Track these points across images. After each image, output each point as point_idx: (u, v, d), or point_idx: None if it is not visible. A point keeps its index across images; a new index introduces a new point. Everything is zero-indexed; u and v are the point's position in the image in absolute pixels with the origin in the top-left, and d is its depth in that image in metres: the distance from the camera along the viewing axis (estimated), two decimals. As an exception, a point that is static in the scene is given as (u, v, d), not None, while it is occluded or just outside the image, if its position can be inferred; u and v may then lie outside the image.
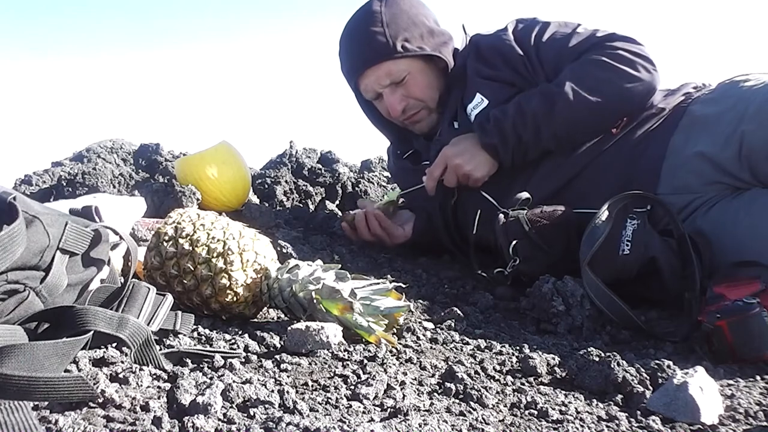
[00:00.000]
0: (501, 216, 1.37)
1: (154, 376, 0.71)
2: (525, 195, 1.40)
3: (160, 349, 0.78)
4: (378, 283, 1.02)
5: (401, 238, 1.69)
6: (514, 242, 1.35)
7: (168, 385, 0.69)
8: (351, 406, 0.68)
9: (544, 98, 1.46)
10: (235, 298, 0.99)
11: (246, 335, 0.91)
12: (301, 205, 2.20)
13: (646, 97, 1.48)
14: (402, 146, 1.85)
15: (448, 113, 1.66)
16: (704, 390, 0.76)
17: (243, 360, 0.81)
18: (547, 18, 1.63)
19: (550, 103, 1.44)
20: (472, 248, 1.53)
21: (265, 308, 1.09)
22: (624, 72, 1.44)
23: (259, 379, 0.72)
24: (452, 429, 0.65)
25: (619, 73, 1.44)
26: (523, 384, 0.84)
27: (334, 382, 0.75)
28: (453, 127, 1.64)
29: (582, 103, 1.43)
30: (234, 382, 0.69)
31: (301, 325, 0.88)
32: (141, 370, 0.70)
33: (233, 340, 0.89)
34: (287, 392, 0.68)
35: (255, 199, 2.11)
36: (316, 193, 2.29)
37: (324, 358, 0.84)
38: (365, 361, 0.84)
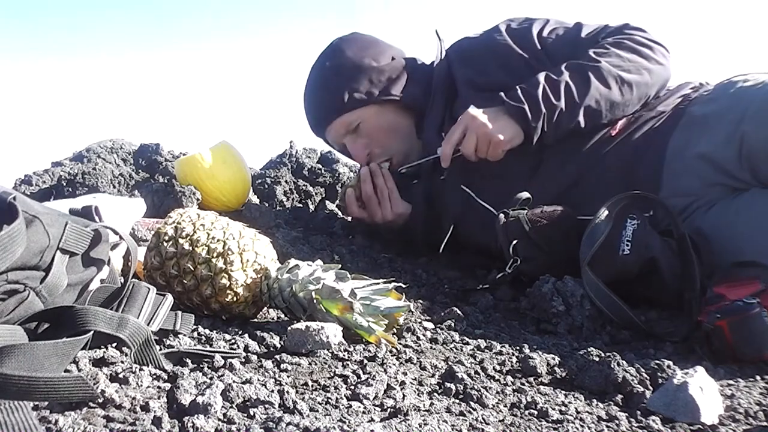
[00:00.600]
0: (501, 216, 1.37)
1: (154, 376, 0.71)
2: (525, 195, 1.40)
3: (160, 349, 0.78)
4: (378, 283, 1.02)
5: (400, 209, 1.65)
6: (514, 242, 1.35)
7: (168, 385, 0.69)
8: (351, 406, 0.68)
9: (576, 70, 1.44)
10: (235, 298, 0.99)
11: (246, 335, 0.91)
12: (301, 205, 2.20)
13: (665, 83, 1.51)
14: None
15: (433, 122, 1.64)
16: (704, 390, 0.76)
17: (243, 360, 0.81)
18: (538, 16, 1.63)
19: (583, 74, 1.43)
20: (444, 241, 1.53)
21: (265, 308, 1.09)
22: (648, 54, 1.47)
23: (259, 379, 0.72)
24: (452, 429, 0.65)
25: (644, 54, 1.47)
26: (523, 384, 0.84)
27: (334, 382, 0.75)
28: (441, 137, 1.60)
29: (615, 78, 1.43)
30: (234, 382, 0.69)
31: (301, 325, 0.88)
32: (141, 370, 0.70)
33: (233, 340, 0.89)
34: (287, 392, 0.68)
35: (255, 199, 2.11)
36: (316, 193, 2.29)
37: (324, 358, 0.84)
38: (365, 361, 0.84)
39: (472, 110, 1.47)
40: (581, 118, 1.43)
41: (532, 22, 1.61)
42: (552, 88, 1.42)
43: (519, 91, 1.44)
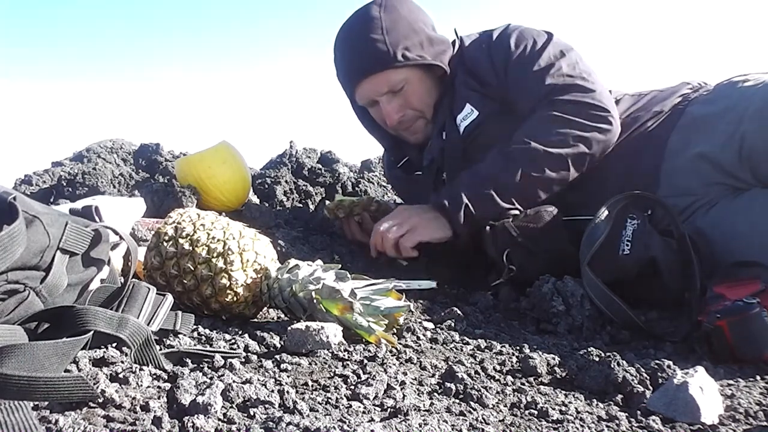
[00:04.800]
0: (488, 228, 1.37)
1: (154, 376, 0.71)
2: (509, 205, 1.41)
3: (160, 349, 0.78)
4: (378, 283, 1.02)
5: (413, 252, 1.66)
6: (506, 251, 1.35)
7: (168, 385, 0.69)
8: (351, 406, 0.68)
9: (502, 156, 1.44)
10: (235, 298, 0.99)
11: (246, 335, 0.91)
12: (301, 205, 2.20)
13: (608, 145, 1.46)
14: (395, 153, 1.82)
15: (438, 123, 1.64)
16: (704, 390, 0.76)
17: (243, 360, 0.81)
18: (534, 27, 1.60)
19: (510, 163, 1.42)
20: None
21: (265, 308, 1.09)
22: (583, 125, 1.42)
23: (259, 379, 0.72)
24: (452, 429, 0.65)
25: (578, 126, 1.42)
26: (523, 384, 0.84)
27: (334, 382, 0.75)
28: (441, 138, 1.61)
29: (542, 158, 1.40)
30: (234, 382, 0.69)
31: (301, 325, 0.88)
32: (141, 370, 0.70)
33: (233, 340, 0.89)
34: (287, 392, 0.68)
35: (255, 199, 2.11)
36: (316, 193, 2.28)
37: (324, 358, 0.84)
38: (365, 361, 0.84)
39: (402, 208, 1.51)
40: (510, 201, 1.42)
41: (508, 42, 1.56)
42: (475, 178, 1.43)
43: (447, 187, 1.46)
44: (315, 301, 0.96)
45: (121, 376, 0.68)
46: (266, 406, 0.65)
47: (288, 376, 0.77)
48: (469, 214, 1.41)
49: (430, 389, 0.78)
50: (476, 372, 0.86)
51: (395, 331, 1.03)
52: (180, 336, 0.87)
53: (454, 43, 1.67)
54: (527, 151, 1.41)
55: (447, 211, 1.42)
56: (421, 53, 1.58)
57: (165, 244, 1.00)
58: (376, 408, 0.69)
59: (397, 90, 1.59)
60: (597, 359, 0.86)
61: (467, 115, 1.56)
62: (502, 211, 1.41)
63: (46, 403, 0.59)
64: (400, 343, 0.96)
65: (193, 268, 0.98)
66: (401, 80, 1.58)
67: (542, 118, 1.44)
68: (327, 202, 1.88)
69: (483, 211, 1.41)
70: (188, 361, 0.79)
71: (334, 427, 0.59)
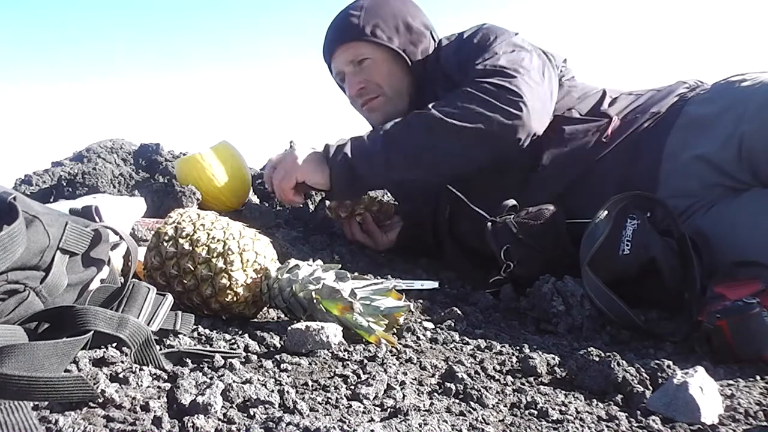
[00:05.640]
0: (489, 224, 1.38)
1: (154, 376, 0.71)
2: (511, 202, 1.41)
3: (160, 349, 0.78)
4: (378, 283, 1.02)
5: (385, 244, 1.68)
6: (506, 247, 1.35)
7: (168, 385, 0.69)
8: (351, 406, 0.68)
9: (402, 120, 1.44)
10: (235, 298, 0.99)
11: (246, 335, 0.91)
12: (301, 205, 2.20)
13: (511, 136, 1.40)
14: None
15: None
16: (704, 390, 0.76)
17: (243, 360, 0.81)
18: (504, 27, 1.61)
19: (406, 123, 1.43)
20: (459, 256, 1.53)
21: (265, 308, 1.09)
22: (489, 104, 1.38)
23: (259, 379, 0.72)
24: (452, 429, 0.65)
25: (485, 104, 1.39)
26: (523, 384, 0.84)
27: (334, 382, 0.75)
28: None
29: (438, 126, 1.39)
30: (234, 382, 0.69)
31: (301, 325, 0.88)
32: (141, 370, 0.70)
33: (233, 340, 0.89)
34: (287, 392, 0.68)
35: (255, 199, 2.11)
36: (316, 193, 2.28)
37: (324, 358, 0.84)
38: (365, 361, 0.84)
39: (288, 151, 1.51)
40: (396, 172, 1.41)
41: (472, 40, 1.58)
42: (364, 140, 1.44)
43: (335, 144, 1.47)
44: (315, 301, 0.96)
45: (121, 376, 0.68)
46: (266, 406, 0.65)
47: (288, 376, 0.77)
48: (349, 166, 1.41)
49: (430, 389, 0.78)
50: (476, 372, 0.86)
51: (395, 331, 1.03)
52: (180, 336, 0.87)
53: (440, 43, 1.70)
54: (426, 117, 1.41)
55: (328, 156, 1.43)
56: (391, 36, 1.65)
57: (165, 244, 1.00)
58: (376, 408, 0.69)
59: (358, 62, 1.66)
60: (597, 359, 0.86)
61: None
62: (386, 176, 1.41)
63: (46, 403, 0.59)
64: (400, 343, 0.96)
65: (193, 268, 0.98)
66: (364, 54, 1.65)
67: (456, 94, 1.45)
68: (327, 202, 1.88)
69: (364, 166, 1.41)
70: (188, 361, 0.79)
71: (334, 427, 0.59)
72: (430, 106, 1.43)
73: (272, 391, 0.68)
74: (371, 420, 0.65)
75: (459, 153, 1.41)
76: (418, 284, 1.34)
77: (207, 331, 0.92)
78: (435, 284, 1.37)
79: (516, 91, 1.40)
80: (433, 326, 1.10)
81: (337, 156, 1.43)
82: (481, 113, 1.38)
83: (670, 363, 0.87)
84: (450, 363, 0.87)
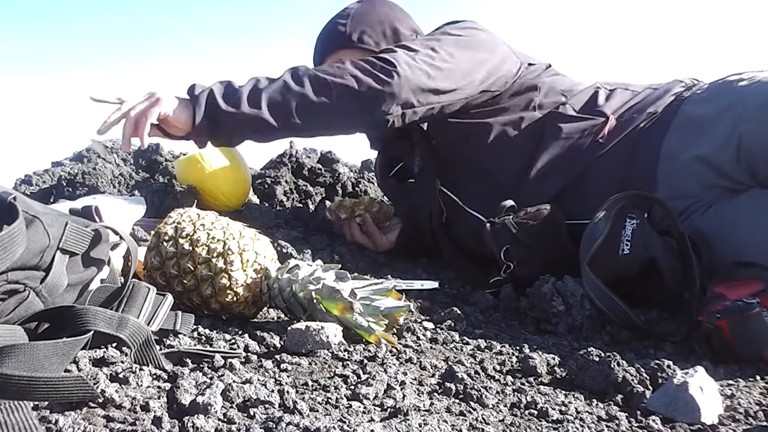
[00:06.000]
0: (488, 225, 1.38)
1: (154, 376, 0.71)
2: (510, 203, 1.40)
3: (160, 349, 0.78)
4: (378, 283, 1.02)
5: (385, 246, 1.67)
6: (505, 247, 1.35)
7: (168, 385, 0.69)
8: (351, 406, 0.68)
9: (278, 76, 1.41)
10: (235, 298, 0.99)
11: (246, 335, 0.91)
12: (301, 205, 2.20)
13: (379, 101, 1.40)
14: (378, 145, 1.82)
15: (416, 130, 1.64)
16: (704, 390, 0.76)
17: (243, 360, 0.81)
18: (478, 24, 1.62)
19: (278, 76, 1.40)
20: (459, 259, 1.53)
21: (265, 308, 1.09)
22: (364, 68, 1.40)
23: (259, 379, 0.72)
24: (452, 429, 0.65)
25: (360, 68, 1.40)
26: (523, 384, 0.84)
27: (334, 382, 0.75)
28: (425, 143, 1.63)
29: (308, 78, 1.38)
30: (234, 382, 0.69)
31: (301, 325, 0.88)
32: (141, 370, 0.70)
33: (233, 340, 0.89)
34: (287, 392, 0.68)
35: (255, 199, 2.11)
36: (316, 193, 2.28)
37: (324, 358, 0.84)
38: (365, 361, 0.84)
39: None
40: (264, 109, 1.35)
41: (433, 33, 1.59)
42: (231, 86, 1.37)
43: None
44: (315, 301, 0.96)
45: (121, 376, 0.68)
46: (266, 406, 0.65)
47: (288, 376, 0.77)
48: (212, 105, 1.34)
49: (430, 389, 0.78)
50: (476, 372, 0.86)
51: (395, 331, 1.03)
52: (180, 336, 0.87)
53: None
54: (297, 70, 1.41)
55: (194, 94, 1.36)
56: (378, 41, 1.65)
57: (165, 244, 1.00)
58: (376, 408, 0.69)
59: None
60: (597, 359, 0.86)
61: None
62: (248, 118, 1.34)
63: (46, 403, 0.59)
64: (400, 343, 0.96)
65: (193, 268, 0.98)
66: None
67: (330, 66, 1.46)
68: (328, 202, 1.88)
69: (226, 104, 1.34)
70: (188, 361, 0.79)
71: (334, 427, 0.59)
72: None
73: (272, 391, 0.68)
74: (371, 420, 0.65)
75: (326, 104, 1.39)
76: (418, 284, 1.34)
77: (207, 331, 0.92)
78: (435, 284, 1.37)
79: (392, 62, 1.40)
80: (433, 326, 1.10)
81: (203, 96, 1.35)
82: (353, 74, 1.39)
83: (670, 363, 0.87)
84: (450, 363, 0.87)
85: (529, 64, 1.61)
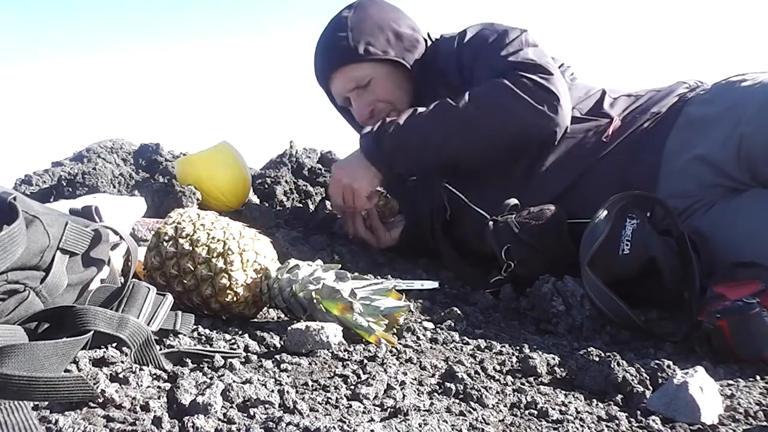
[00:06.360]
0: (490, 223, 1.38)
1: (154, 376, 0.71)
2: (513, 201, 1.40)
3: (160, 349, 0.78)
4: (378, 283, 1.02)
5: (388, 242, 1.67)
6: (506, 246, 1.35)
7: (168, 385, 0.69)
8: (351, 406, 0.68)
9: (438, 111, 1.46)
10: (235, 298, 0.99)
11: (246, 335, 0.91)
12: (301, 205, 2.20)
13: (547, 131, 1.45)
14: None
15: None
16: (704, 390, 0.76)
17: (243, 360, 0.81)
18: (507, 25, 1.60)
19: (441, 116, 1.45)
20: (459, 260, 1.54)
21: (265, 308, 1.09)
22: (526, 103, 1.41)
23: (259, 379, 0.72)
24: (452, 429, 0.65)
25: (522, 102, 1.41)
26: (523, 384, 0.84)
27: (334, 382, 0.75)
28: None
29: (475, 123, 1.43)
30: (234, 382, 0.69)
31: (301, 325, 0.88)
32: (141, 370, 0.70)
33: (233, 340, 0.89)
34: (287, 392, 0.68)
35: (255, 199, 2.11)
36: (316, 193, 2.28)
37: (324, 358, 0.84)
38: (365, 361, 0.84)
39: (334, 166, 1.60)
40: (435, 160, 1.48)
41: (477, 37, 1.58)
42: (404, 129, 1.47)
43: (374, 131, 1.50)
44: (315, 301, 0.96)
45: (121, 376, 0.68)
46: (266, 406, 0.65)
47: (288, 376, 0.77)
48: (392, 164, 1.48)
49: (430, 389, 0.78)
50: (476, 372, 0.86)
51: (395, 331, 1.03)
52: (180, 336, 0.87)
53: (436, 40, 1.70)
54: (462, 111, 1.44)
55: (374, 161, 1.50)
56: (386, 48, 1.64)
57: (165, 244, 1.00)
58: (376, 408, 0.69)
59: (363, 85, 1.65)
60: (597, 359, 0.86)
61: None
62: (426, 165, 1.48)
63: (46, 403, 0.59)
64: (400, 343, 0.96)
65: (193, 268, 0.98)
66: (366, 75, 1.64)
67: (492, 85, 1.46)
68: (328, 203, 1.88)
69: (405, 163, 1.49)
70: (188, 361, 0.79)
71: (334, 427, 0.59)
72: (467, 97, 1.45)
73: (272, 391, 0.68)
74: (371, 420, 0.65)
75: (492, 146, 1.46)
76: (418, 284, 1.34)
77: (207, 331, 0.92)
78: (435, 284, 1.37)
79: (555, 93, 1.43)
80: (433, 326, 1.10)
81: (383, 161, 1.49)
82: (517, 115, 1.42)
83: (670, 363, 0.87)
84: (450, 363, 0.87)
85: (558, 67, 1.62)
